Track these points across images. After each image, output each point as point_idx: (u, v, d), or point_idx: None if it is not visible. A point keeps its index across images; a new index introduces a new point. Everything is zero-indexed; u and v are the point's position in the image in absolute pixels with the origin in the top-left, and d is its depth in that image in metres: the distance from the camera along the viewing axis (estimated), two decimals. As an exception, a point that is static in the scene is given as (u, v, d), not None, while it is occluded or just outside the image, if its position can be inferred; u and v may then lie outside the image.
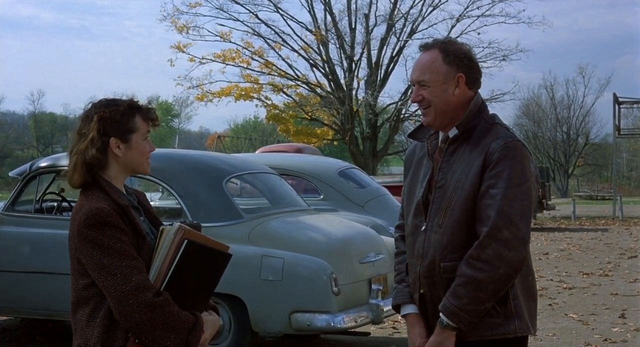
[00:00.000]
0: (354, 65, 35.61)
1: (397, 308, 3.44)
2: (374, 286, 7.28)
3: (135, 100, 3.19)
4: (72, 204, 8.68)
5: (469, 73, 3.25)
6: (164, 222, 3.18)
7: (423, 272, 3.21)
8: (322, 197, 10.65)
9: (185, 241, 2.88)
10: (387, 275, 7.60)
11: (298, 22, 36.13)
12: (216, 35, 35.22)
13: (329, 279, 6.90)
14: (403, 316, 3.40)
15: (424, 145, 3.36)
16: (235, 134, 76.44)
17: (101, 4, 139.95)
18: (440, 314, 3.12)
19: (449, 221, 3.15)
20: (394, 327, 8.91)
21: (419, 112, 3.35)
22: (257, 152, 18.53)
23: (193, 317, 2.96)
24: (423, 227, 3.22)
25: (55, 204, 8.32)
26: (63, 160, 8.49)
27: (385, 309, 7.22)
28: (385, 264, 7.64)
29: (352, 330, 7.37)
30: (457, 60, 3.23)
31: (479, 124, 3.23)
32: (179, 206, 7.58)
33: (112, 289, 2.83)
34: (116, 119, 3.07)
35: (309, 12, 36.33)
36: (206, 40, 35.62)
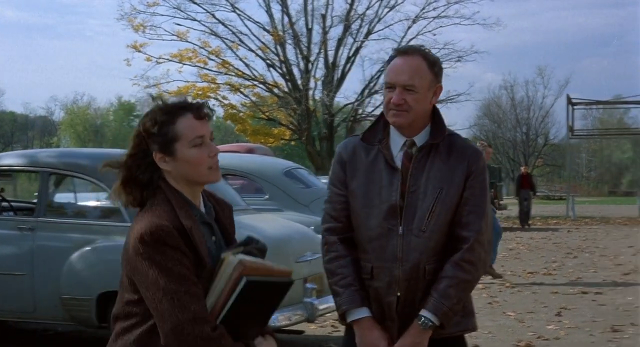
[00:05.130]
0: (310, 66, 35.73)
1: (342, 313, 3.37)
2: (308, 285, 7.37)
3: (177, 100, 2.79)
4: (13, 204, 8.69)
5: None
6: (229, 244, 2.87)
7: (403, 275, 3.25)
8: (267, 197, 10.73)
9: (245, 279, 2.65)
10: (323, 274, 7.68)
11: (255, 22, 36.20)
12: (173, 35, 35.18)
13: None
14: (355, 320, 3.32)
15: (369, 148, 3.36)
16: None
17: (66, 2, 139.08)
18: (426, 315, 3.20)
19: (435, 225, 3.24)
20: (333, 326, 9.01)
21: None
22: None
23: None
24: (400, 231, 3.27)
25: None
26: (4, 159, 8.51)
27: (320, 308, 7.32)
28: (321, 263, 7.71)
29: (286, 328, 7.45)
30: (439, 71, 3.34)
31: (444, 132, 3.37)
32: (116, 206, 7.61)
33: (166, 315, 2.57)
34: (151, 131, 2.73)
35: (267, 12, 36.40)
36: (163, 40, 35.60)
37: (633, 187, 73.60)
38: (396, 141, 3.33)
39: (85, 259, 7.37)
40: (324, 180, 21.98)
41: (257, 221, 7.95)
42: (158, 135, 2.71)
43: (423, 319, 3.21)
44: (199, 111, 2.74)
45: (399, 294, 3.27)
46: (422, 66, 3.26)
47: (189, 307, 2.56)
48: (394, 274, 3.26)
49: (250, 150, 18.34)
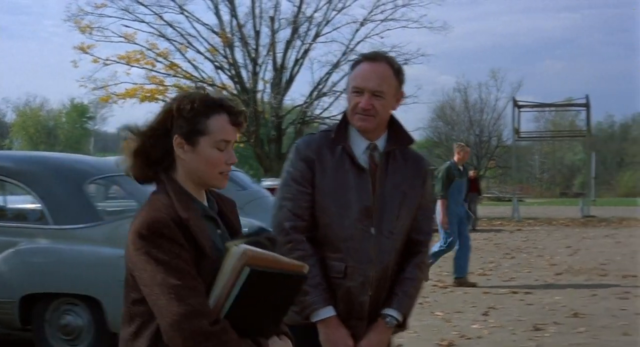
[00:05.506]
0: (258, 68, 35.77)
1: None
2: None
3: (219, 97, 2.70)
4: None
5: None
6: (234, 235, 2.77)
7: (376, 275, 3.36)
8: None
9: (248, 269, 2.52)
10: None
11: (204, 25, 36.18)
12: (120, 37, 35.01)
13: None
14: (321, 320, 3.33)
15: (333, 148, 3.39)
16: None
17: (21, 2, 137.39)
18: (392, 313, 3.37)
19: (401, 227, 3.41)
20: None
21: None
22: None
23: (253, 344, 2.59)
24: (373, 232, 3.36)
25: None
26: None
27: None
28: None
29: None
30: (402, 78, 3.43)
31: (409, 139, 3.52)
32: (40, 209, 7.64)
33: (164, 310, 2.48)
34: (183, 114, 2.62)
35: (215, 14, 36.38)
36: (111, 41, 35.33)
37: (584, 189, 74.50)
38: (358, 143, 3.41)
39: (8, 262, 7.38)
40: (268, 182, 22.09)
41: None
42: (188, 121, 2.62)
43: (389, 318, 3.37)
44: (236, 117, 2.68)
45: (370, 293, 3.37)
46: (389, 73, 3.36)
47: (186, 301, 2.46)
48: (367, 275, 3.35)
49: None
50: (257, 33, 35.97)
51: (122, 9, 35.04)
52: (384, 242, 3.37)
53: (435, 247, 12.57)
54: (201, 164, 2.63)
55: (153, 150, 2.65)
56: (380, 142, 3.43)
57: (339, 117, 3.52)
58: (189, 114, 2.61)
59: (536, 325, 9.08)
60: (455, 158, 12.94)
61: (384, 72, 3.34)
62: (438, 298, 11.40)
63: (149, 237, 2.51)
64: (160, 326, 2.51)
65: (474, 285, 12.61)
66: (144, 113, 35.79)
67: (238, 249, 2.53)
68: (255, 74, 35.66)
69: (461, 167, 12.95)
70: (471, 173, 27.66)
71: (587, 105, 35.83)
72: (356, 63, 3.43)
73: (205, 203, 2.75)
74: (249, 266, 2.50)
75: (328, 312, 3.31)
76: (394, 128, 3.46)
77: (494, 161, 72.54)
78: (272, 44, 35.79)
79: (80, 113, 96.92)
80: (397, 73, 3.38)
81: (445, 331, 8.92)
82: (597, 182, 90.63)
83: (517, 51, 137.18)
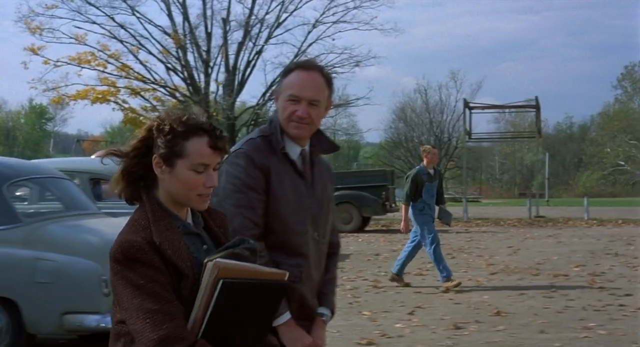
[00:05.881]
0: (209, 70, 35.78)
1: None
2: (147, 287, 7.52)
3: (201, 120, 2.67)
4: None
5: None
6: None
7: (318, 278, 3.54)
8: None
9: (220, 282, 2.50)
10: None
11: (156, 26, 36.10)
12: (71, 38, 34.80)
13: (100, 280, 7.12)
14: (282, 323, 3.36)
15: (274, 154, 3.42)
16: (110, 138, 75.08)
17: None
18: (326, 312, 3.56)
19: (328, 232, 3.59)
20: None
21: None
22: (93, 156, 18.57)
23: None
24: (316, 237, 3.50)
25: None
26: None
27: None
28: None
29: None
30: (333, 88, 3.54)
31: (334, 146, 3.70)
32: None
33: (140, 336, 2.49)
34: (162, 134, 2.63)
35: (168, 16, 36.30)
36: (62, 43, 35.10)
37: (543, 189, 75.07)
38: (294, 150, 3.47)
39: None
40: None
41: (102, 225, 8.08)
42: (167, 143, 2.62)
43: (325, 316, 3.54)
44: (216, 141, 2.64)
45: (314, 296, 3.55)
46: (322, 82, 3.43)
47: (162, 326, 2.46)
48: (314, 279, 3.51)
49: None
50: (209, 35, 35.98)
51: (74, 10, 34.89)
52: (322, 247, 3.55)
53: (429, 253, 12.81)
54: (178, 186, 2.63)
55: (135, 168, 2.66)
56: (306, 149, 3.52)
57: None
58: (167, 136, 2.60)
59: (457, 324, 9.24)
60: (424, 162, 12.87)
61: (318, 82, 3.42)
62: (369, 298, 11.53)
63: (124, 262, 2.52)
64: None
65: (407, 285, 12.75)
66: (104, 115, 35.72)
67: (211, 263, 2.52)
68: (207, 75, 35.67)
69: (431, 171, 12.83)
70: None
71: (537, 107, 36.23)
72: (289, 71, 3.47)
73: (190, 219, 2.75)
74: (222, 279, 2.49)
75: (288, 315, 3.35)
76: (317, 135, 3.56)
77: (453, 162, 73.10)
78: (225, 46, 35.79)
79: (39, 114, 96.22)
80: (329, 82, 3.47)
81: (368, 330, 9.05)
82: (557, 183, 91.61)
83: (478, 53, 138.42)
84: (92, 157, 18.24)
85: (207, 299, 2.51)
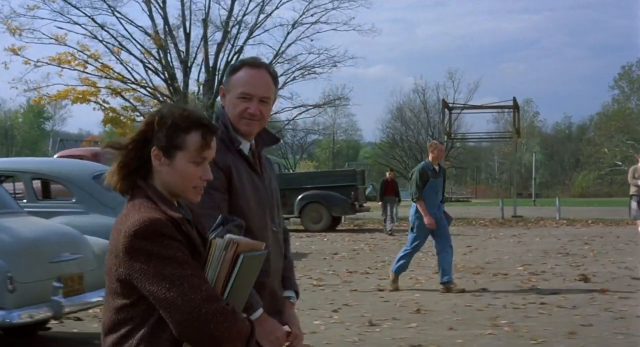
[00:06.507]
0: (188, 70, 36.07)
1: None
2: (55, 284, 7.77)
3: (203, 115, 2.78)
4: None
5: None
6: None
7: (281, 270, 3.72)
8: (74, 200, 11.13)
9: (242, 256, 2.66)
10: (84, 274, 8.13)
11: (137, 26, 36.38)
12: (51, 38, 35.06)
13: (5, 277, 7.37)
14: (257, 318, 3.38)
15: (229, 151, 3.47)
16: (109, 138, 75.19)
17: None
18: (292, 294, 3.74)
19: (281, 221, 3.76)
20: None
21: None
22: (55, 156, 18.86)
23: (249, 323, 2.73)
24: (275, 229, 3.62)
25: None
26: None
27: (67, 306, 7.74)
28: (82, 264, 8.16)
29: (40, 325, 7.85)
30: (278, 85, 3.70)
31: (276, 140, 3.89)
32: None
33: (179, 300, 2.51)
34: (164, 127, 2.70)
35: (149, 16, 36.58)
36: (42, 43, 35.41)
37: (541, 189, 75.40)
38: (244, 146, 3.58)
39: None
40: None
41: (16, 224, 8.31)
42: (168, 135, 2.69)
43: (292, 298, 3.74)
44: (212, 135, 2.75)
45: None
46: (270, 80, 3.57)
47: (201, 287, 2.54)
48: (279, 270, 3.67)
49: (95, 155, 18.67)
50: (187, 35, 36.27)
51: (55, 11, 35.19)
52: (279, 237, 3.70)
53: (400, 252, 12.91)
54: (176, 177, 2.71)
55: (132, 160, 2.72)
56: (252, 143, 3.65)
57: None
58: (169, 128, 2.68)
59: (373, 321, 9.48)
60: (430, 157, 12.57)
61: (267, 79, 3.51)
62: (306, 296, 11.65)
63: (150, 237, 2.55)
64: (172, 321, 2.54)
65: (463, 290, 12.16)
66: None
67: (222, 240, 2.65)
68: (186, 75, 35.96)
69: (436, 167, 12.48)
70: (387, 175, 27.56)
71: (515, 107, 36.52)
72: (237, 68, 3.54)
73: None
74: (242, 253, 2.65)
75: (261, 310, 3.40)
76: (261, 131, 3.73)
77: (449, 162, 73.36)
78: (205, 47, 36.07)
79: (37, 114, 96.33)
80: (275, 80, 3.63)
81: (285, 327, 9.26)
82: (554, 183, 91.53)
83: (479, 52, 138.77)
84: (55, 157, 18.57)
85: (226, 273, 2.64)
